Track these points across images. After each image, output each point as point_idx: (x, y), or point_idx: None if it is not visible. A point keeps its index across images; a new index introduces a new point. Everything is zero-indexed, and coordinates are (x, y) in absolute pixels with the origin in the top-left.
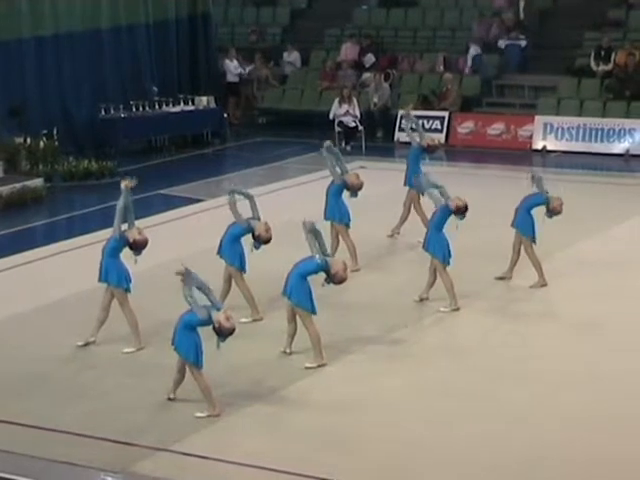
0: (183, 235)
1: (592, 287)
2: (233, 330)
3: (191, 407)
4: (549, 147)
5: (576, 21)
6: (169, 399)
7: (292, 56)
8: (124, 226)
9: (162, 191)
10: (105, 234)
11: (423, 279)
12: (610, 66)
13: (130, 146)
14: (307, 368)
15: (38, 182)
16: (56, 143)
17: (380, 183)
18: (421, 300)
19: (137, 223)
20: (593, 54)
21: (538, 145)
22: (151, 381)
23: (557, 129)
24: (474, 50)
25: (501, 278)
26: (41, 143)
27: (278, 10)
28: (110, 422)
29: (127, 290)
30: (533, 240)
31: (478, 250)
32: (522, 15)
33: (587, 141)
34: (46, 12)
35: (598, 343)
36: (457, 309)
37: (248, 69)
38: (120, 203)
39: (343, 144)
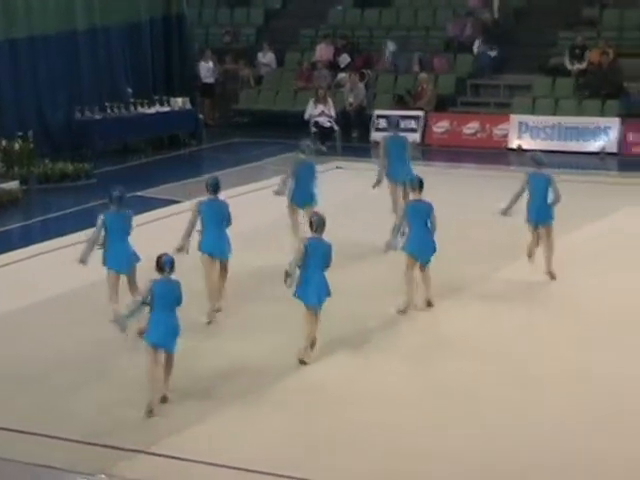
0: (160, 236)
1: (576, 284)
2: None
3: (171, 409)
4: (524, 146)
5: (550, 20)
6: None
7: (267, 57)
8: None
9: (139, 193)
10: (81, 236)
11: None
12: (584, 65)
13: (106, 148)
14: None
15: (14, 184)
16: (32, 145)
17: (356, 183)
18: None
19: None
20: (567, 53)
21: (513, 144)
22: (132, 385)
23: (532, 128)
24: (391, 46)
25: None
26: (16, 145)
27: (252, 11)
28: (89, 423)
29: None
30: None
31: (457, 247)
32: (496, 14)
33: (562, 140)
34: (20, 14)
35: (594, 341)
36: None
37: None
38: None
39: (319, 144)
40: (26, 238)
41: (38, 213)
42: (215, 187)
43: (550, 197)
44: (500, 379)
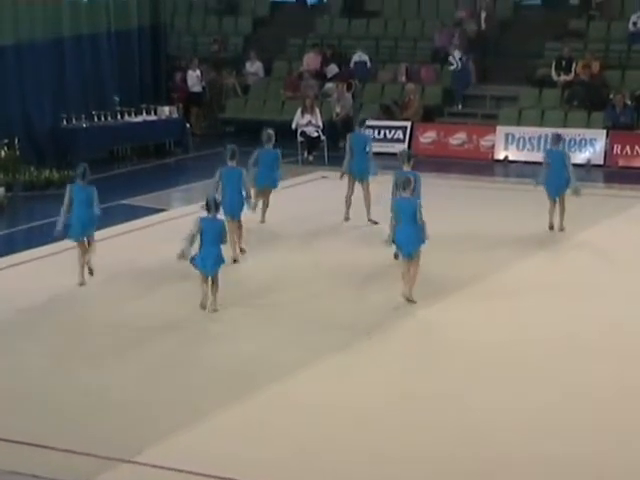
0: (146, 244)
1: (569, 290)
2: None
3: (157, 416)
4: (511, 157)
5: (537, 32)
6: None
7: (254, 66)
8: None
9: (124, 201)
10: (66, 244)
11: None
12: (571, 76)
13: (92, 156)
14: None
15: None
16: (17, 152)
17: (342, 192)
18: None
19: (100, 233)
20: (554, 64)
21: (500, 155)
22: (116, 391)
23: (519, 139)
24: (358, 57)
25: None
26: (2, 152)
27: (240, 19)
28: (72, 431)
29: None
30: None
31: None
32: (483, 25)
33: (543, 153)
34: (7, 21)
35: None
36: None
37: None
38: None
39: (306, 154)
40: (10, 245)
41: (23, 220)
42: (216, 205)
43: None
44: (495, 382)
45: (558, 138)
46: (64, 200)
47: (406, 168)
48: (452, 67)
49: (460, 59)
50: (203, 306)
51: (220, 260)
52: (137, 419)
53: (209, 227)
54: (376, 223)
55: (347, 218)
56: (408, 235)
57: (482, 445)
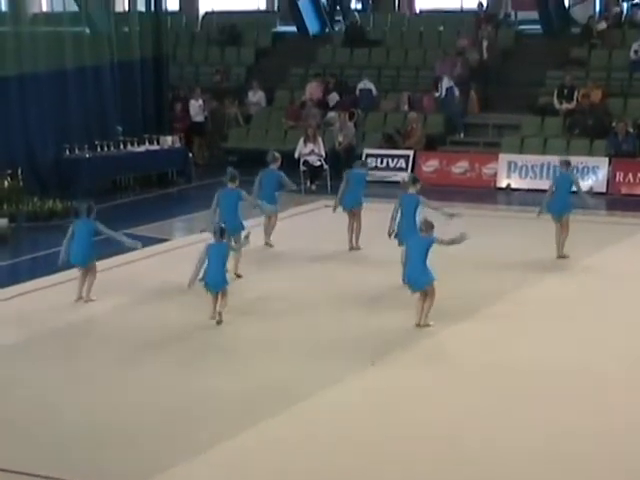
0: (148, 274)
1: (580, 315)
2: None
3: (156, 448)
4: (513, 185)
5: (539, 60)
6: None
7: (257, 95)
8: None
9: (127, 230)
10: (70, 274)
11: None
12: (573, 104)
13: (95, 186)
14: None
15: (2, 222)
16: (20, 183)
17: (345, 222)
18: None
19: (103, 263)
20: (556, 92)
21: (502, 183)
22: (115, 416)
23: (521, 167)
24: (363, 84)
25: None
26: (5, 183)
27: (242, 50)
28: (70, 459)
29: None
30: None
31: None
32: (485, 54)
33: (551, 179)
34: (10, 52)
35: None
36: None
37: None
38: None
39: (308, 183)
40: (14, 276)
41: (27, 251)
42: (222, 232)
43: (575, 187)
44: (501, 409)
45: (567, 164)
46: (67, 233)
47: (412, 190)
48: (437, 95)
49: (448, 88)
50: (213, 318)
51: (225, 279)
52: (139, 446)
53: (215, 251)
54: (359, 249)
55: (351, 247)
56: (419, 273)
57: (484, 476)
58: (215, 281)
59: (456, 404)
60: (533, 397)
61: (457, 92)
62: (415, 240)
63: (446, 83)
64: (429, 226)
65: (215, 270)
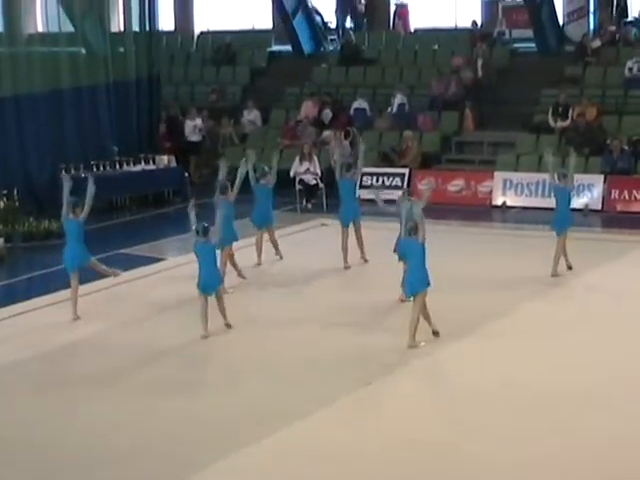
0: (145, 294)
1: (579, 333)
2: None
3: (151, 464)
4: (509, 203)
5: (533, 78)
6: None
7: (252, 114)
8: None
9: (124, 250)
10: (66, 294)
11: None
12: (568, 122)
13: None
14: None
15: None
16: (16, 203)
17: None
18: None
19: (97, 283)
20: (551, 110)
21: (498, 201)
22: (112, 436)
23: (516, 185)
24: (358, 104)
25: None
26: (1, 203)
27: (238, 69)
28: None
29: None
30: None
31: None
32: (480, 73)
33: (546, 197)
34: (6, 73)
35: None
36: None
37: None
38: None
39: (304, 202)
40: (10, 296)
41: (23, 271)
42: (204, 231)
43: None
44: (498, 429)
45: (564, 176)
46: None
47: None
48: (388, 110)
49: (399, 105)
50: (205, 336)
51: (219, 279)
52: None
53: (202, 251)
54: (366, 261)
55: (347, 267)
56: (414, 277)
57: None
58: (210, 283)
59: (454, 422)
60: (532, 415)
61: (407, 108)
62: (409, 246)
63: (399, 99)
64: (414, 229)
65: (207, 271)
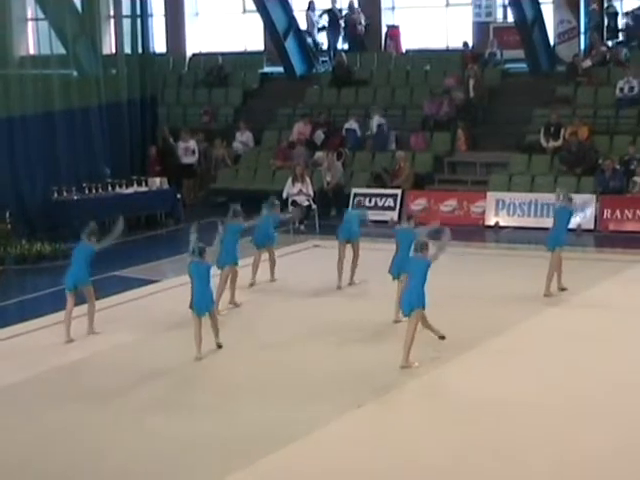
0: (137, 316)
1: (577, 350)
2: None
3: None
4: (501, 223)
5: (525, 98)
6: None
7: (244, 136)
8: None
9: (116, 272)
10: (58, 317)
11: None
12: (560, 142)
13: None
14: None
15: None
16: (9, 226)
17: (335, 261)
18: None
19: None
20: (543, 130)
21: (491, 221)
22: (103, 457)
23: (509, 205)
24: (349, 124)
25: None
26: None
27: (230, 91)
28: None
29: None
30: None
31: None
32: (472, 93)
33: (539, 216)
34: None
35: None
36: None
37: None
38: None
39: (297, 223)
40: (2, 319)
41: (15, 294)
42: (200, 252)
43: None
44: (495, 448)
45: (570, 199)
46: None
47: (405, 225)
48: (367, 133)
49: (378, 125)
50: (199, 357)
51: (212, 300)
52: None
53: (197, 271)
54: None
55: (339, 286)
56: (413, 295)
57: None
58: (203, 304)
59: (453, 440)
60: (530, 432)
61: (386, 129)
62: (415, 263)
63: (377, 120)
64: (424, 246)
65: (200, 292)
